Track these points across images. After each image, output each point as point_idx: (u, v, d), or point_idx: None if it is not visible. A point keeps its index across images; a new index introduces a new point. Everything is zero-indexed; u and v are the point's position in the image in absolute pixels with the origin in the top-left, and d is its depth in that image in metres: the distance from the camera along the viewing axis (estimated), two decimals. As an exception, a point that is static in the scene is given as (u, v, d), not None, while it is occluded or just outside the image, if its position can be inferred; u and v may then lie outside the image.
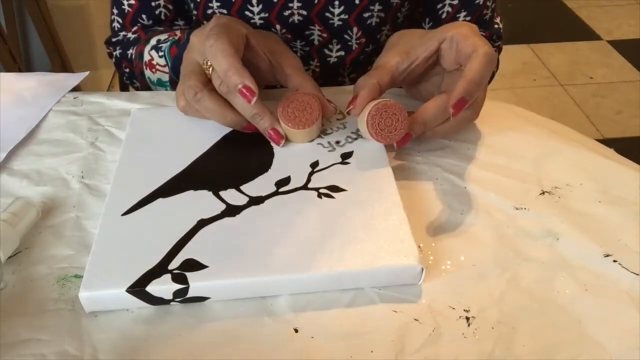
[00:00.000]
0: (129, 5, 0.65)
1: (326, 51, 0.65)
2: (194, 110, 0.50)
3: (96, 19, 1.66)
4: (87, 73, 0.64)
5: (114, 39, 0.68)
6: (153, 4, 0.64)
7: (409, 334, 0.37)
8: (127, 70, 0.67)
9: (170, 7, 0.65)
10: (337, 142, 0.50)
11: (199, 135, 0.50)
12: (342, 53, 0.66)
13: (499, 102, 0.57)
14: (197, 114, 0.50)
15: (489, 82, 0.59)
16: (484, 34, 0.68)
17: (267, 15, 0.61)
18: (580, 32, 2.37)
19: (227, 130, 0.51)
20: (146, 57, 0.62)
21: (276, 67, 0.52)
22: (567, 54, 2.23)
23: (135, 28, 0.66)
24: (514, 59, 2.19)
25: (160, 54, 0.61)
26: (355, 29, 0.63)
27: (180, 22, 0.67)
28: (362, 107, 0.48)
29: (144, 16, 0.65)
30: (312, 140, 0.50)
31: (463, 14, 0.65)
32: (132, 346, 0.37)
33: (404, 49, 0.51)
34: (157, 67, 0.61)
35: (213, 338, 0.37)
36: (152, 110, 0.55)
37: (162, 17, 0.65)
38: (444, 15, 0.66)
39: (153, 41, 0.62)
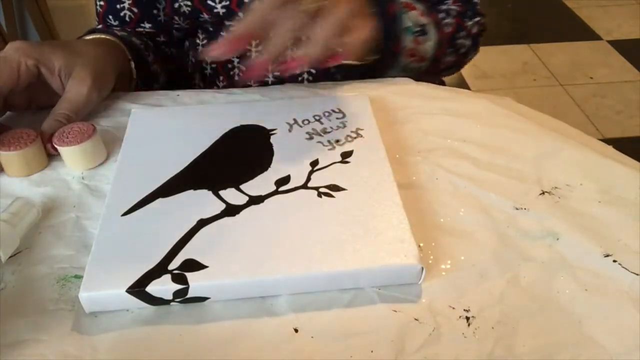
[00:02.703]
0: (100, 6, 0.69)
1: None
2: None
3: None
4: None
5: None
6: (118, 6, 0.67)
7: (409, 333, 0.37)
8: None
9: (135, 9, 0.67)
10: (337, 141, 0.50)
11: (199, 135, 0.50)
12: None
13: (499, 96, 0.57)
14: None
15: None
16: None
17: (228, 3, 0.62)
18: (580, 32, 2.37)
19: (227, 129, 0.51)
20: None
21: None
22: (567, 54, 2.23)
23: (102, 27, 0.69)
24: (514, 59, 2.19)
25: None
26: None
27: (147, 25, 0.69)
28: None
29: (110, 17, 0.68)
30: (32, 173, 0.49)
31: None
32: (132, 346, 0.37)
33: None
34: None
35: (213, 338, 0.37)
36: (151, 110, 0.55)
37: (127, 19, 0.68)
38: None
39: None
